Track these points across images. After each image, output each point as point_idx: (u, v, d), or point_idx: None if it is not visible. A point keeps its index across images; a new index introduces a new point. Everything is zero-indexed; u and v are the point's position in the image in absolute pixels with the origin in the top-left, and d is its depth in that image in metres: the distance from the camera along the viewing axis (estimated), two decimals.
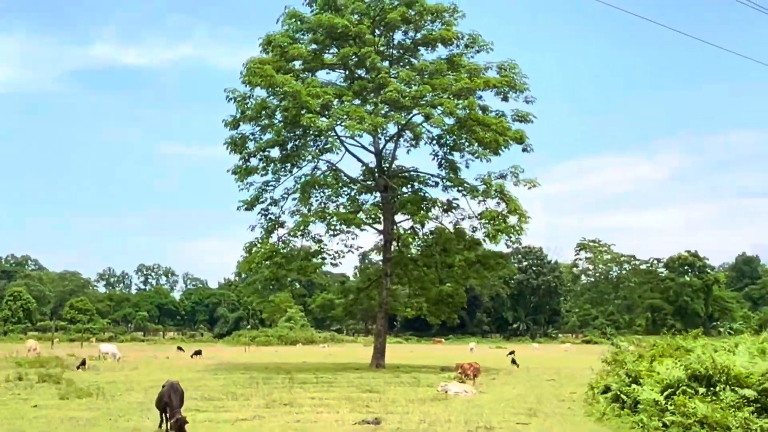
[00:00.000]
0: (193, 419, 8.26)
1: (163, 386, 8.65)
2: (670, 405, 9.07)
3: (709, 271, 73.80)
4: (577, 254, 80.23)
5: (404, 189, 23.15)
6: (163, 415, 8.61)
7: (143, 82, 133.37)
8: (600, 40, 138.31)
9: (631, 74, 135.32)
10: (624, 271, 78.40)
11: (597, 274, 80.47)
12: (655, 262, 76.97)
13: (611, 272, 78.33)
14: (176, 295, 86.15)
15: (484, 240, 20.77)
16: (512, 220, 19.82)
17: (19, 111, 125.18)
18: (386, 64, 21.15)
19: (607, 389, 12.15)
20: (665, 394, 9.54)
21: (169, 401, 8.04)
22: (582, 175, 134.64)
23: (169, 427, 8.31)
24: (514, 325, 73.40)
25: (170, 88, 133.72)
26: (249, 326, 66.04)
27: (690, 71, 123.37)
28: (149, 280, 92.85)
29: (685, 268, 73.76)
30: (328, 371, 20.16)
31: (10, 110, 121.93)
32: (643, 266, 76.95)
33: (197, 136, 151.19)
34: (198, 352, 27.35)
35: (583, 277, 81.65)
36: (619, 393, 10.95)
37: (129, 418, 10.03)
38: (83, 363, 19.37)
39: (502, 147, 19.83)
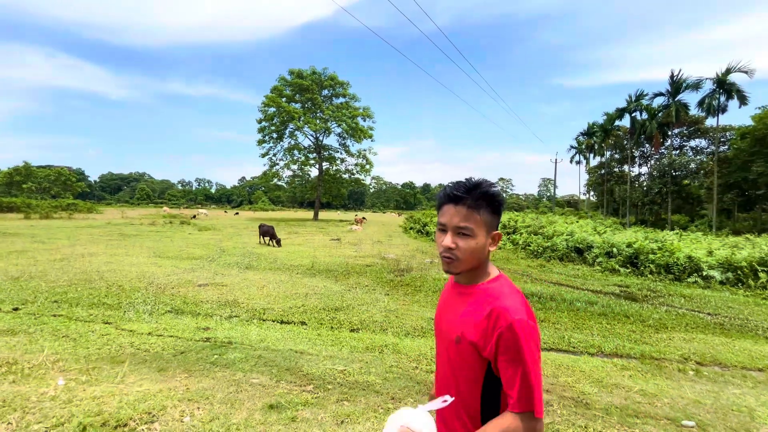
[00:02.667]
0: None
1: (261, 225, 14.07)
2: None
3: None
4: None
5: (325, 153, 48.97)
6: (263, 238, 13.46)
7: None
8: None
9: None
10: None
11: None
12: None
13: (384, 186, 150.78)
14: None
15: (354, 174, 49.01)
16: (367, 167, 49.29)
17: None
18: (321, 102, 47.71)
19: (409, 227, 26.36)
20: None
21: (272, 231, 13.74)
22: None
23: (268, 242, 12.94)
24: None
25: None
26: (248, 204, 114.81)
27: None
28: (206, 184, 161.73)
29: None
30: (298, 221, 38.38)
31: None
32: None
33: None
34: (237, 213, 57.68)
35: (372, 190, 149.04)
36: (419, 228, 23.44)
37: (235, 238, 15.62)
38: (194, 216, 40.44)
39: (365, 139, 47.86)
